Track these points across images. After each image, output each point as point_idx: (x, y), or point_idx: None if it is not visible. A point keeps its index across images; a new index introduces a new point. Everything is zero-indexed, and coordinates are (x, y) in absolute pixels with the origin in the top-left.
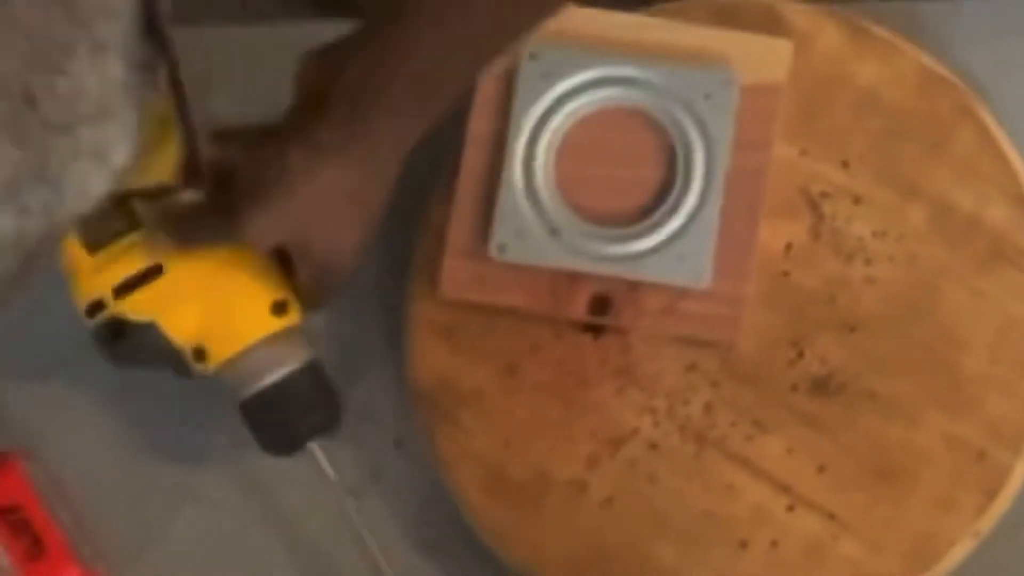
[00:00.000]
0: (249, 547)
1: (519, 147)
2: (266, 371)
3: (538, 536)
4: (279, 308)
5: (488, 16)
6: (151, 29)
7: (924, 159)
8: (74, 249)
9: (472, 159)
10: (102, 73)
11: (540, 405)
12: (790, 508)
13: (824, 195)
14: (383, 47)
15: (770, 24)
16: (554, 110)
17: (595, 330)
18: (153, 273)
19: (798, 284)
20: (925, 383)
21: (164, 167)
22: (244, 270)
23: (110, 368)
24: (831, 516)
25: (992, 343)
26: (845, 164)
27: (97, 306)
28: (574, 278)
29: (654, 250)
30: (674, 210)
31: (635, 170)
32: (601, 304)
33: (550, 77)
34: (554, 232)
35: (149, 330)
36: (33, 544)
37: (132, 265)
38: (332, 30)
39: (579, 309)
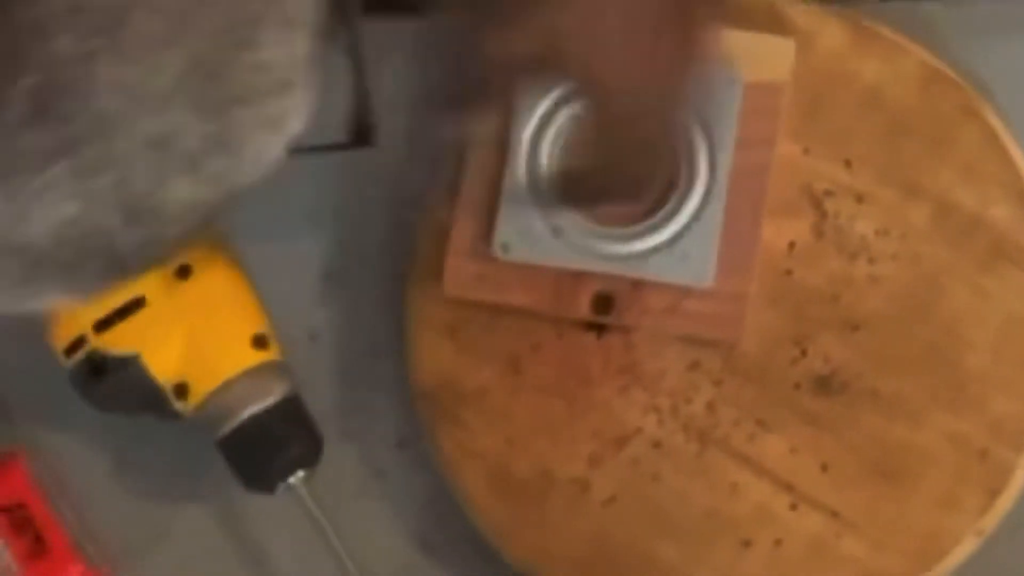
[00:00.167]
0: (252, 546)
1: (522, 146)
2: (244, 406)
3: (541, 535)
4: (259, 342)
5: None
6: (336, 2)
7: (927, 158)
8: None
9: (476, 158)
10: (289, 47)
11: (543, 404)
12: (793, 507)
13: (827, 194)
14: None
15: (772, 23)
16: (557, 109)
17: (598, 329)
18: (136, 306)
19: (801, 283)
20: (928, 382)
21: None
22: (226, 302)
23: None
24: (834, 515)
25: (995, 342)
26: (848, 163)
27: (77, 344)
28: (577, 277)
29: (657, 249)
30: (677, 209)
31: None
32: (604, 303)
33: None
34: (557, 231)
35: (131, 365)
36: (36, 542)
37: (114, 298)
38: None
39: (582, 308)
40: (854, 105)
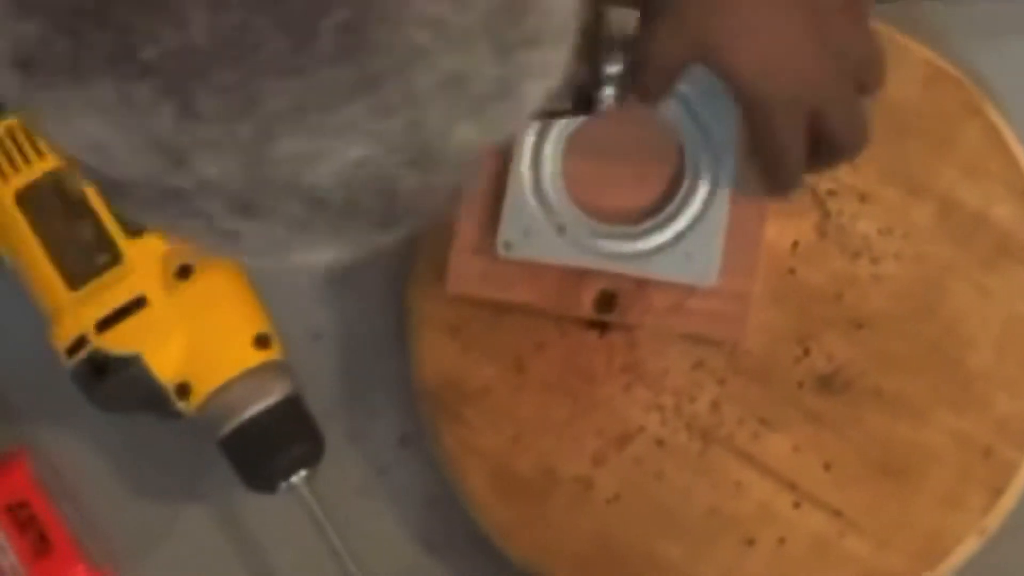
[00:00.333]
0: (254, 546)
1: (527, 144)
2: (246, 406)
3: (544, 533)
4: (261, 341)
5: None
6: None
7: (930, 157)
8: (55, 286)
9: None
10: None
11: (546, 402)
12: (796, 505)
13: (830, 193)
14: None
15: None
16: None
17: (601, 327)
18: (137, 305)
19: (804, 281)
20: (931, 380)
21: None
22: (227, 302)
23: None
24: (837, 513)
25: (998, 340)
26: (851, 162)
27: (78, 344)
28: (581, 275)
29: (661, 248)
30: (681, 208)
31: (642, 168)
32: (607, 301)
33: None
34: (561, 229)
35: (133, 365)
36: (39, 541)
37: (115, 299)
38: None
39: (585, 306)
40: None
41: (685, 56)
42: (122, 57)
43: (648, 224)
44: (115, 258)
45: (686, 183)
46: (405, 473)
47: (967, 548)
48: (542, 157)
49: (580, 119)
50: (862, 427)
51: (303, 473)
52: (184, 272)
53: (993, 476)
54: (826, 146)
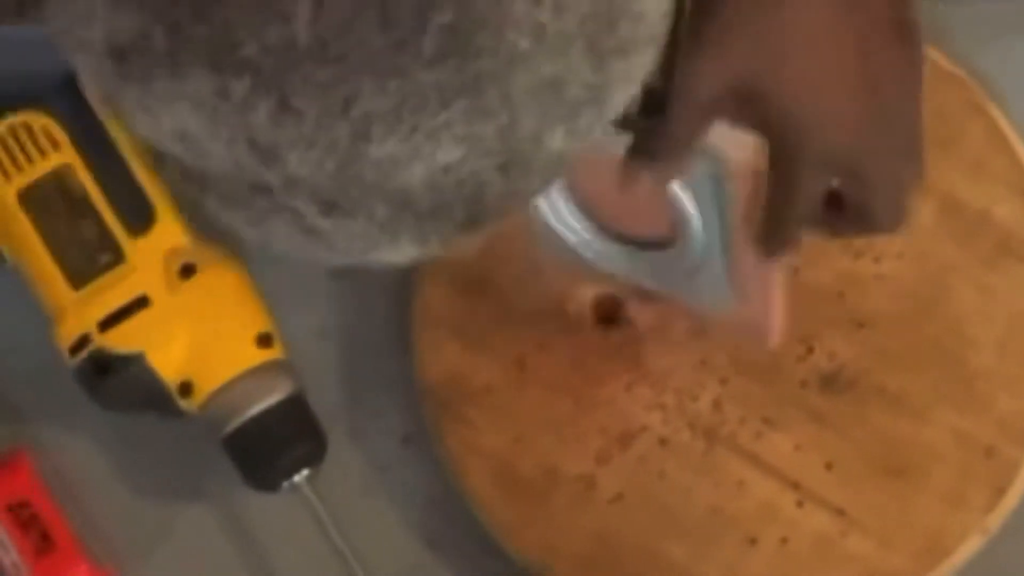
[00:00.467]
0: (256, 545)
1: None
2: (248, 405)
3: (547, 532)
4: (264, 340)
5: None
6: None
7: (933, 156)
8: (58, 285)
9: None
10: (661, 0)
11: (549, 401)
12: (799, 504)
13: None
14: None
15: None
16: None
17: (604, 327)
18: (139, 304)
19: (807, 281)
20: (934, 379)
21: None
22: (230, 301)
23: None
24: (840, 512)
25: (1001, 339)
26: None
27: (81, 343)
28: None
29: (675, 279)
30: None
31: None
32: (610, 305)
33: None
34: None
35: (135, 363)
36: (42, 540)
37: (118, 297)
38: None
39: (588, 307)
40: None
41: (724, 92)
42: (221, 52)
43: (662, 254)
44: (118, 257)
45: (692, 219)
46: (408, 472)
47: (969, 547)
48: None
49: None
50: (865, 426)
51: (305, 472)
52: (187, 271)
53: (995, 475)
54: (855, 215)
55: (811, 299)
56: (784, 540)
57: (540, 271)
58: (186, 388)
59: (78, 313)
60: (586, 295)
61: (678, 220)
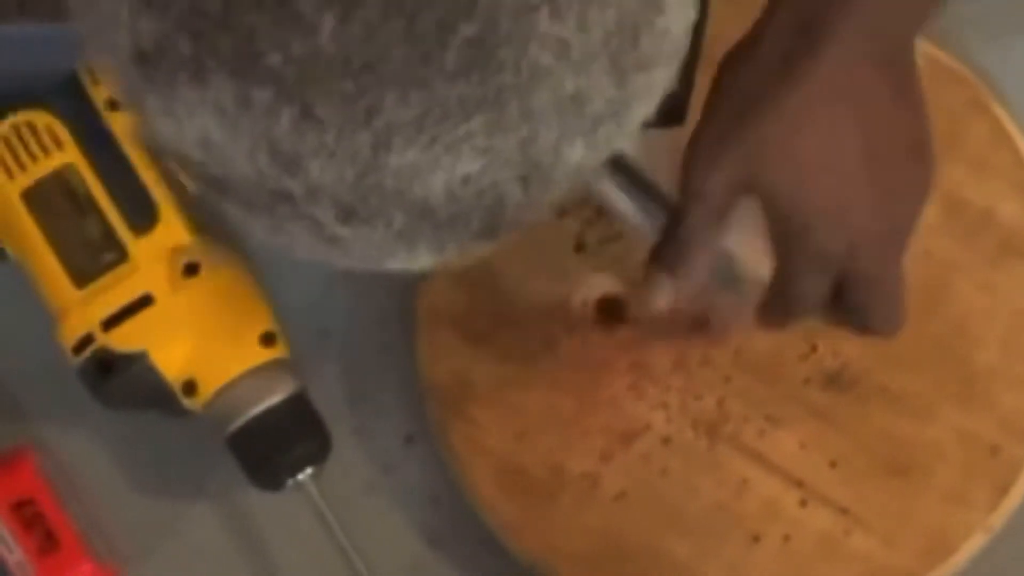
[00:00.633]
0: (260, 543)
1: None
2: (252, 403)
3: (551, 530)
4: (267, 339)
5: None
6: None
7: (936, 154)
8: (61, 284)
9: None
10: (683, 15)
11: (553, 400)
12: (803, 503)
13: None
14: None
15: None
16: None
17: (608, 325)
18: (143, 303)
19: None
20: (937, 378)
21: None
22: (233, 300)
23: None
24: (844, 511)
25: (1004, 338)
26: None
27: (85, 341)
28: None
29: None
30: None
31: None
32: (613, 302)
33: None
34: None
35: (139, 362)
36: (46, 538)
37: (122, 296)
38: None
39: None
40: None
41: (730, 192)
42: (245, 61)
43: None
44: (121, 256)
45: None
46: (411, 471)
47: (973, 545)
48: None
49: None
50: (868, 424)
51: (309, 471)
52: (190, 270)
53: (999, 473)
54: (851, 313)
55: None
56: (787, 538)
57: (543, 270)
58: (190, 387)
59: (81, 312)
60: (590, 294)
61: None
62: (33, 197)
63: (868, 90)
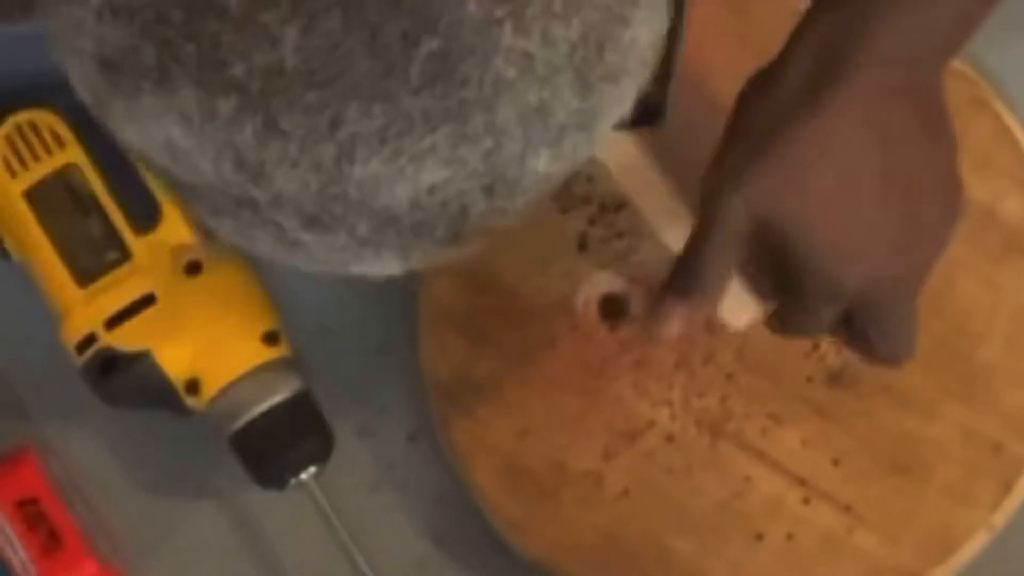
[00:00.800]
0: (263, 542)
1: None
2: (255, 402)
3: (554, 528)
4: (270, 338)
5: None
6: None
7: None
8: (64, 283)
9: None
10: (652, 27)
11: (556, 397)
12: (806, 500)
13: None
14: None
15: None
16: None
17: (611, 323)
18: (146, 302)
19: None
20: (940, 375)
21: None
22: (236, 299)
23: None
24: (846, 508)
25: (1007, 335)
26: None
27: (88, 341)
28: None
29: None
30: None
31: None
32: (616, 299)
33: None
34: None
35: (142, 361)
36: (49, 537)
37: (125, 295)
38: None
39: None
40: None
41: (750, 225)
42: (209, 71)
43: None
44: (124, 255)
45: None
46: (415, 469)
47: (976, 543)
48: None
49: None
50: (871, 422)
51: (312, 469)
52: (193, 269)
53: (1002, 471)
54: (858, 341)
55: None
56: (791, 536)
57: (546, 268)
58: (193, 386)
59: (84, 311)
60: (592, 292)
61: None
62: (36, 196)
63: (893, 120)
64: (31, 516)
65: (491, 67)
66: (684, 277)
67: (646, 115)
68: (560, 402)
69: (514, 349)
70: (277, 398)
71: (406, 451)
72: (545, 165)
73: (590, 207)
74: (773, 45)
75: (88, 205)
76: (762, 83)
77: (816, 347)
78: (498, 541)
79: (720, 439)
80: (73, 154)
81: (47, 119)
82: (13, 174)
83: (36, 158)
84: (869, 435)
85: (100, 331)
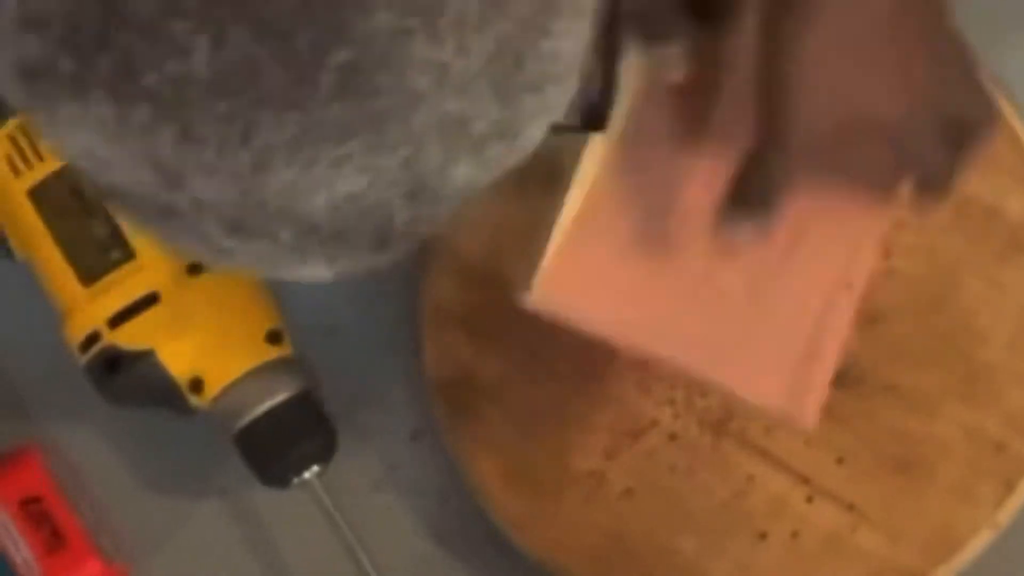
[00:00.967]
0: (266, 541)
1: None
2: (258, 401)
3: (557, 527)
4: (274, 337)
5: None
6: None
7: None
8: (68, 282)
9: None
10: (576, 36)
11: (560, 396)
12: (809, 499)
13: None
14: None
15: None
16: None
17: None
18: (149, 301)
19: None
20: (944, 375)
21: None
22: (240, 297)
23: None
24: (850, 507)
25: (1011, 334)
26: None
27: (92, 339)
28: None
29: None
30: None
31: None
32: None
33: None
34: None
35: (146, 360)
36: (52, 536)
37: (128, 294)
38: None
39: None
40: None
41: (824, 122)
42: (123, 80)
43: None
44: (128, 254)
45: None
46: (417, 468)
47: (979, 542)
48: None
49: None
50: (875, 421)
51: (316, 469)
52: (196, 268)
53: (1005, 470)
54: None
55: None
56: (794, 535)
57: None
58: (196, 385)
59: (88, 310)
60: None
61: None
62: (40, 195)
63: None
64: (34, 515)
65: (404, 77)
66: (755, 193)
67: (592, 120)
68: (563, 401)
69: (517, 348)
70: (280, 397)
71: (409, 450)
72: (468, 173)
73: None
74: None
75: (92, 204)
76: None
77: None
78: (500, 540)
79: (723, 438)
80: None
81: None
82: (17, 173)
83: (40, 157)
84: (872, 434)
85: (104, 330)
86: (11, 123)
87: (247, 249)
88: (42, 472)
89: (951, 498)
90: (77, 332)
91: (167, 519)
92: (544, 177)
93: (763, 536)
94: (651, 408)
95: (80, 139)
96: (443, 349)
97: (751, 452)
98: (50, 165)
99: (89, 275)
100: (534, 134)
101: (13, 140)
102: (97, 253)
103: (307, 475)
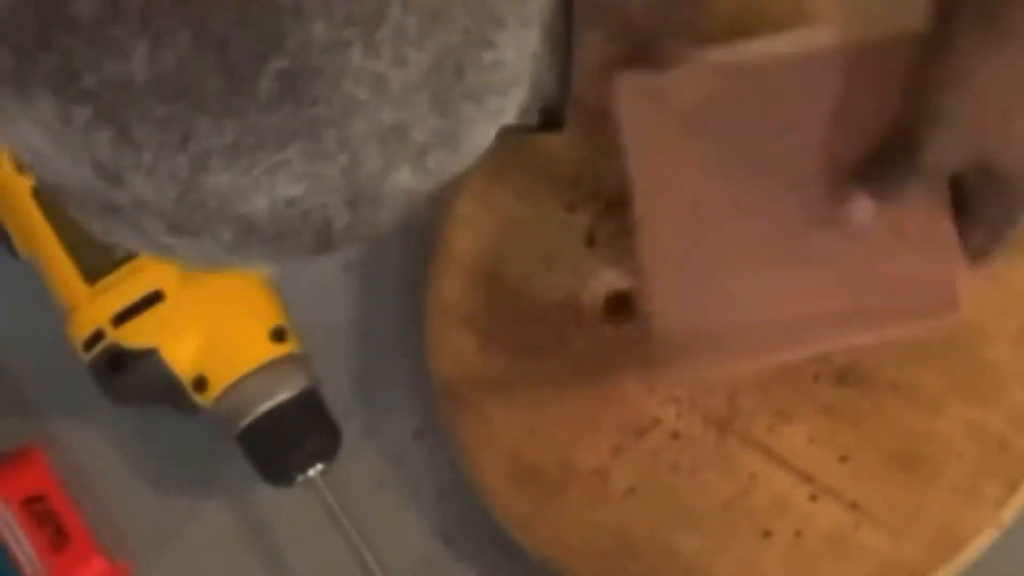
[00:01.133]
0: (270, 539)
1: None
2: (262, 399)
3: (561, 526)
4: (277, 335)
5: None
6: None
7: None
8: (72, 280)
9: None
10: (521, 46)
11: (563, 394)
12: (813, 498)
13: None
14: None
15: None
16: None
17: (617, 320)
18: (153, 299)
19: None
20: (948, 373)
21: None
22: (243, 296)
23: None
24: (854, 506)
25: (1015, 333)
26: None
27: (95, 338)
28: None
29: None
30: None
31: None
32: (622, 297)
33: None
34: None
35: (149, 358)
36: (56, 534)
37: (132, 293)
38: None
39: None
40: None
41: (960, 164)
42: (64, 80)
43: None
44: (132, 252)
45: None
46: (421, 466)
47: (983, 541)
48: None
49: None
50: (878, 419)
51: (319, 466)
52: None
53: (1009, 468)
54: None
55: None
56: (798, 533)
57: (553, 265)
58: (200, 383)
59: (92, 308)
60: (600, 289)
61: None
62: (44, 194)
63: None
64: (38, 513)
65: (341, 87)
66: (882, 176)
67: (549, 121)
68: (567, 399)
69: (521, 346)
70: (284, 395)
71: (413, 448)
72: (408, 181)
73: (597, 204)
74: None
75: None
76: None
77: None
78: (504, 538)
79: (727, 436)
80: None
81: None
82: (22, 171)
83: None
84: (876, 432)
85: (107, 328)
86: None
87: (188, 246)
88: (46, 471)
89: (955, 497)
90: (81, 330)
91: (170, 517)
92: (548, 178)
93: (766, 534)
94: (655, 406)
95: (24, 134)
96: (447, 347)
97: (754, 450)
98: None
99: (93, 273)
100: (478, 141)
101: None
102: (101, 251)
103: (311, 473)
